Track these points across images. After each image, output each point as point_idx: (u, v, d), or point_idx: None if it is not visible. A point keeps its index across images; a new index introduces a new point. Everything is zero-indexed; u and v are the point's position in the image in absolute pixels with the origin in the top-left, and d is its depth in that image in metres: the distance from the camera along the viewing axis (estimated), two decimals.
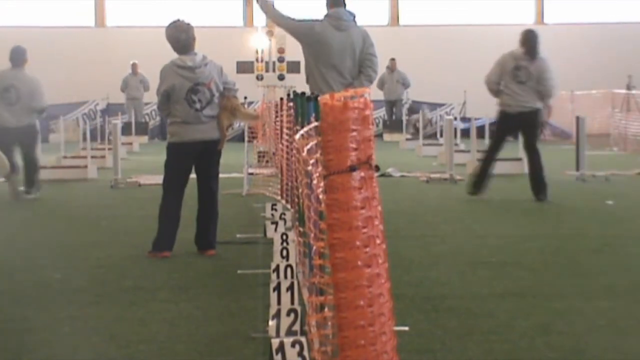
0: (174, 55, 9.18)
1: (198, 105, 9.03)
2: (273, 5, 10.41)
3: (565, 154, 20.99)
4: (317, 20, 10.34)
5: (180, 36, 9.11)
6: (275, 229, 9.43)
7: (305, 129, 5.67)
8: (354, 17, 10.35)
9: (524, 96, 13.23)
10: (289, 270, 6.94)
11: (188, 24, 9.19)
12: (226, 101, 9.18)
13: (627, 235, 10.22)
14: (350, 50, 10.18)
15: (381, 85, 30.47)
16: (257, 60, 28.11)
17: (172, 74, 9.08)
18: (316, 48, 10.17)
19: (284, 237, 7.88)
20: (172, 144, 9.21)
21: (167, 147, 9.29)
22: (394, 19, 35.14)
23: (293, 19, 10.37)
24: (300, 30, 10.27)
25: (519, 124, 13.42)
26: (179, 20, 9.25)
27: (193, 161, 9.13)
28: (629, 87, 30.06)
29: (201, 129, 9.04)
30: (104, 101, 31.50)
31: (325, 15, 10.28)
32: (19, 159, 14.26)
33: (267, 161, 17.62)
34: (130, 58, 31.25)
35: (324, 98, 3.45)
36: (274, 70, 26.10)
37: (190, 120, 9.04)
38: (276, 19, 10.50)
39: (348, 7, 10.39)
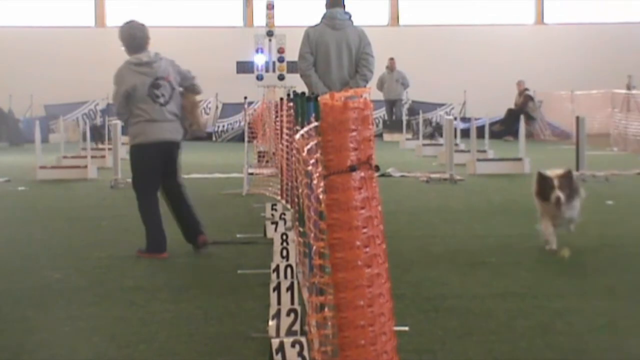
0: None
1: (162, 100, 9.04)
2: (314, 77, 10.52)
3: (565, 154, 20.99)
4: (312, 26, 10.50)
5: (137, 34, 9.17)
6: (275, 229, 9.43)
7: (305, 129, 5.68)
8: (350, 16, 10.50)
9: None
10: (289, 270, 6.94)
11: (142, 24, 9.26)
12: (185, 100, 9.25)
13: (627, 235, 10.21)
14: (346, 49, 10.29)
15: (380, 86, 30.47)
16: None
17: (130, 74, 9.08)
18: (316, 50, 10.31)
19: (284, 237, 7.89)
20: (137, 146, 9.08)
21: (132, 149, 9.16)
22: (394, 19, 35.13)
23: (306, 56, 10.45)
24: (309, 50, 10.39)
25: None
26: (133, 20, 9.33)
27: (160, 160, 9.10)
28: (629, 87, 30.06)
29: (166, 128, 9.03)
30: (104, 101, 31.45)
31: (322, 17, 10.46)
32: None
33: (267, 161, 17.60)
34: None
35: (324, 98, 3.45)
36: (274, 70, 26.05)
37: (156, 117, 9.00)
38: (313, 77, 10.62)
39: (347, 8, 10.53)
